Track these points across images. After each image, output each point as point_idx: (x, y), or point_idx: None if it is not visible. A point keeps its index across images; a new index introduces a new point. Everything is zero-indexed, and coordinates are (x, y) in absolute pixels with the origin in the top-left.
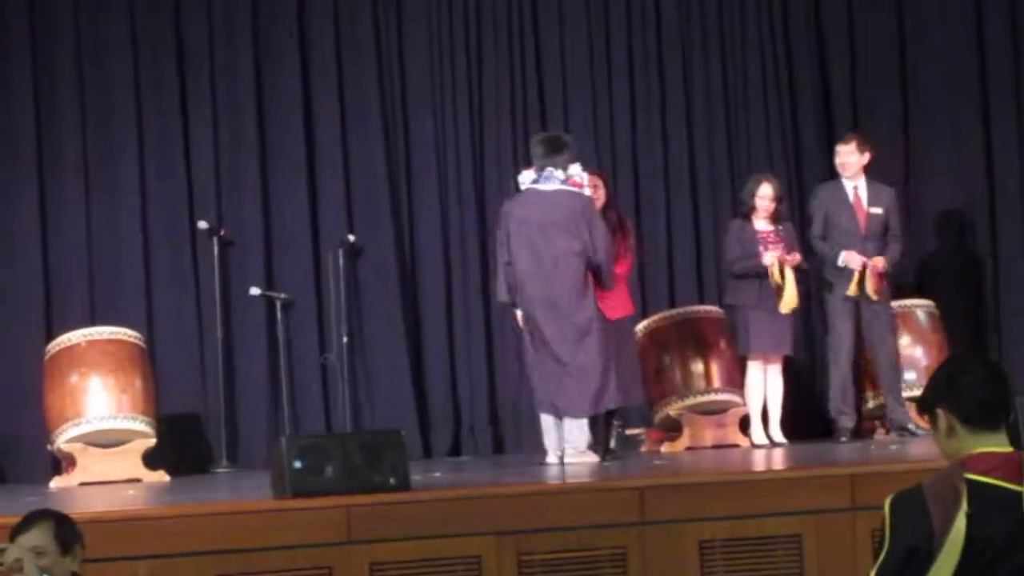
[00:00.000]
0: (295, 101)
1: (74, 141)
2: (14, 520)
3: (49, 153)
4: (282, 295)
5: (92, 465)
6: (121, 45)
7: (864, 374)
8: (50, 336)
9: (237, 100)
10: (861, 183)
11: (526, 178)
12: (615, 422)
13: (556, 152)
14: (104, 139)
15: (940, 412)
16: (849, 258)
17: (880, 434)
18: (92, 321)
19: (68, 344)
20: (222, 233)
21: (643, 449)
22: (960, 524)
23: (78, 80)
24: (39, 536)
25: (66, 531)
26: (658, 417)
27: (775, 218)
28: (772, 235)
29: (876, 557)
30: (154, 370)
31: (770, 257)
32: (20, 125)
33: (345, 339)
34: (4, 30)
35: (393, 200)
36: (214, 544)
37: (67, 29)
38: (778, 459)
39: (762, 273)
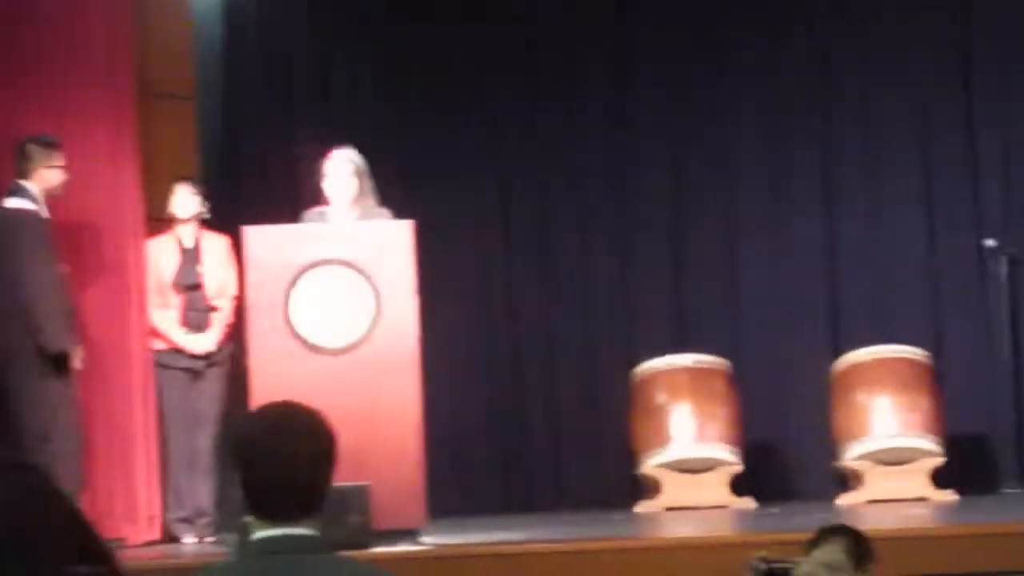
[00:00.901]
0: None
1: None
2: (807, 536)
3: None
4: None
5: (879, 483)
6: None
7: None
8: (836, 352)
9: None
10: None
11: None
12: None
13: None
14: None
15: None
16: None
17: None
18: (878, 339)
19: (855, 362)
20: (1011, 250)
21: None
22: None
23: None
24: (834, 551)
25: (860, 547)
26: None
27: None
28: None
29: None
30: (941, 389)
31: None
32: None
33: None
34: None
35: None
36: (1000, 564)
37: None
38: None
39: None
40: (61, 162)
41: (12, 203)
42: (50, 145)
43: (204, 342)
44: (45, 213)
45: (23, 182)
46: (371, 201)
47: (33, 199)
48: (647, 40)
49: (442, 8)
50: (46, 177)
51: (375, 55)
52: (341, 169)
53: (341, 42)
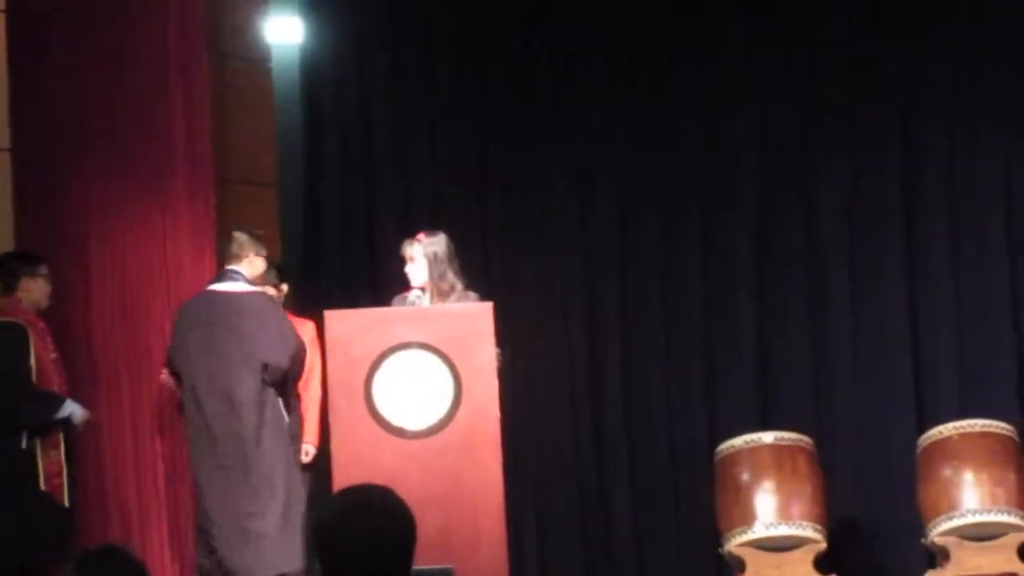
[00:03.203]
0: None
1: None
2: None
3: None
4: None
5: (967, 559)
6: None
7: None
8: (921, 428)
9: None
10: None
11: None
12: None
13: None
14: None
15: None
16: None
17: None
18: (963, 414)
19: (940, 437)
20: None
21: None
22: None
23: None
24: None
25: None
26: None
27: None
28: None
29: None
30: None
31: None
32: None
33: None
34: None
35: None
36: None
37: None
38: None
39: None
40: (266, 254)
41: (229, 287)
42: (259, 238)
43: (309, 448)
44: None
45: (233, 267)
46: (455, 283)
47: (248, 283)
48: (741, 134)
49: (526, 88)
50: (256, 264)
51: (456, 137)
52: (417, 252)
53: (422, 124)
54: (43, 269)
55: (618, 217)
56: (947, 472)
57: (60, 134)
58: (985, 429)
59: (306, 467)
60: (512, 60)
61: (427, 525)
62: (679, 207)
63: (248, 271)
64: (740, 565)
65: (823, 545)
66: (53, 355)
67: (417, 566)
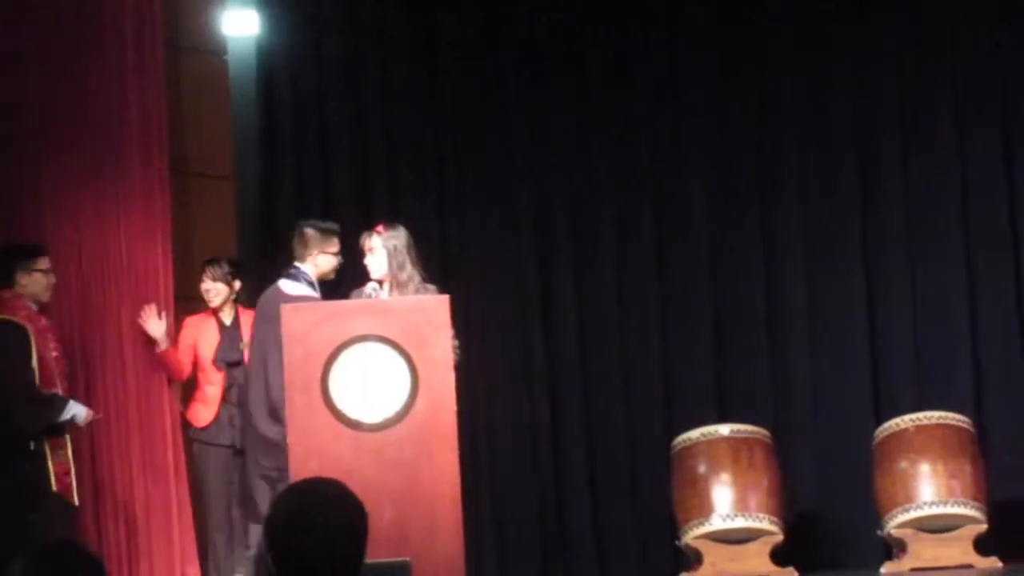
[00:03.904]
0: None
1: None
2: None
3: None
4: None
5: (923, 551)
6: None
7: None
8: (878, 421)
9: None
10: None
11: None
12: None
13: None
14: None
15: None
16: None
17: None
18: (920, 406)
19: (896, 429)
20: None
21: None
22: None
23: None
24: None
25: None
26: None
27: None
28: None
29: None
30: (984, 456)
31: None
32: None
33: None
34: None
35: None
36: None
37: None
38: None
39: None
40: (336, 249)
41: (287, 287)
42: (329, 232)
43: None
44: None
45: (300, 265)
46: (414, 275)
47: (310, 283)
48: (699, 129)
49: (482, 77)
50: (320, 263)
51: (413, 128)
52: (376, 244)
53: (378, 116)
54: (41, 263)
55: (576, 207)
56: (904, 464)
57: (14, 125)
58: (941, 421)
59: None
60: (467, 48)
61: (384, 517)
62: (636, 198)
63: (312, 271)
64: (697, 557)
65: (780, 537)
66: (55, 352)
67: (374, 558)
